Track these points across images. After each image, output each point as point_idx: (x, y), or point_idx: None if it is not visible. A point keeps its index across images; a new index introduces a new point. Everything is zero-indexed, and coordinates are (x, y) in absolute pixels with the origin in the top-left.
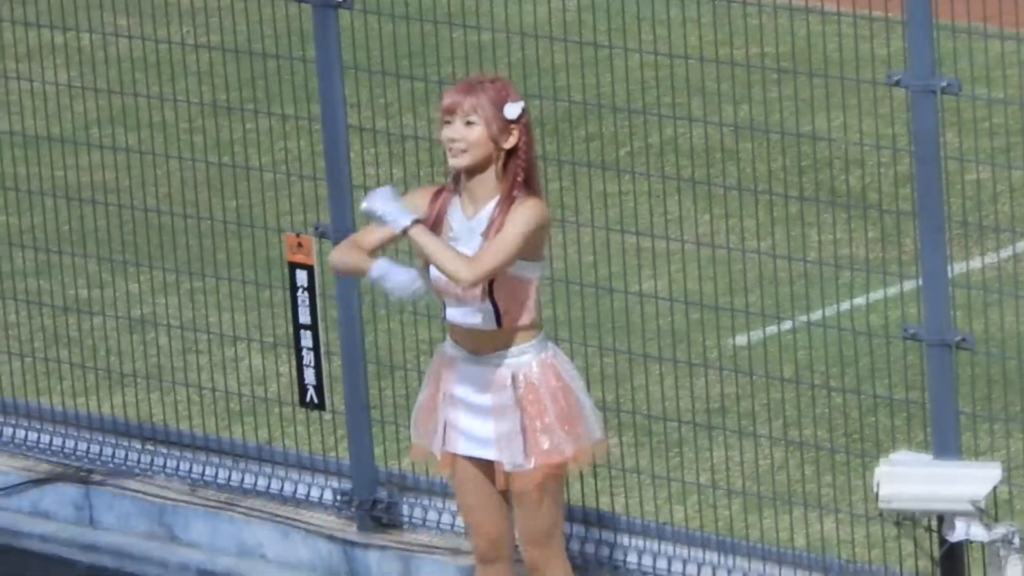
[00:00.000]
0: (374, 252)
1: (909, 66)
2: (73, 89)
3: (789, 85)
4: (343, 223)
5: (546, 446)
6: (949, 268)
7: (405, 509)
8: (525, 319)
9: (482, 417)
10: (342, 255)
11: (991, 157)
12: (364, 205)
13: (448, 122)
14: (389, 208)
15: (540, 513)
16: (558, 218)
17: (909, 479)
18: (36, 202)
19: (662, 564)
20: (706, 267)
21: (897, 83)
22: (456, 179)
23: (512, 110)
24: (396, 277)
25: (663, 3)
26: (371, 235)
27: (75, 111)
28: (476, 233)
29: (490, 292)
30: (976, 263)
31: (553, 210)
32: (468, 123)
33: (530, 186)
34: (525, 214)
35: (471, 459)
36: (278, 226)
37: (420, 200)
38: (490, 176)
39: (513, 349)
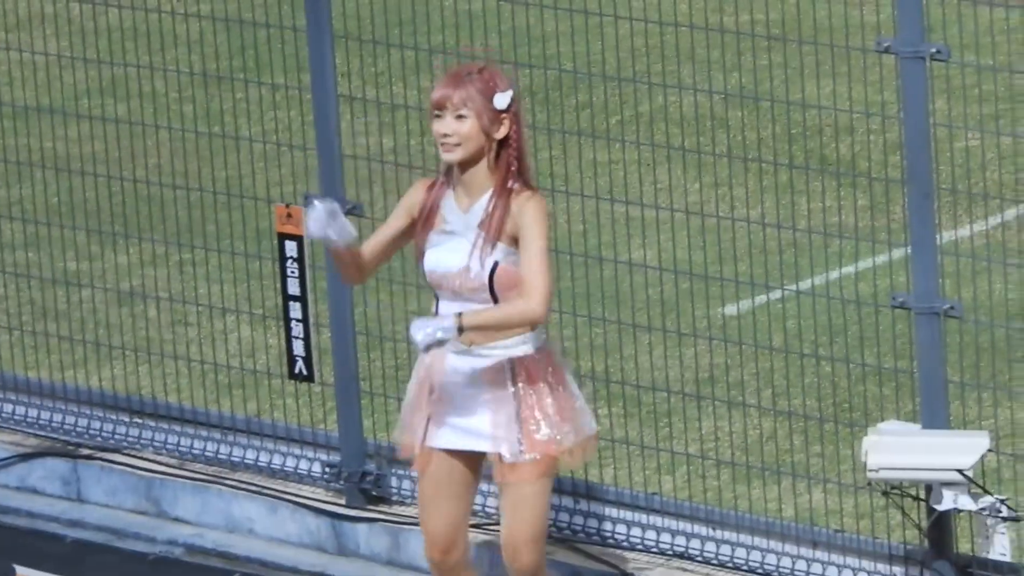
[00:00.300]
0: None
1: (898, 32)
2: (64, 60)
3: (780, 53)
4: (334, 193)
5: (544, 436)
6: (938, 236)
7: (394, 482)
8: None
9: (476, 409)
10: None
11: (980, 124)
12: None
13: (438, 116)
14: (423, 329)
15: (537, 510)
16: (548, 187)
17: (897, 449)
18: (25, 173)
19: (651, 535)
20: (696, 236)
21: (887, 50)
22: (448, 171)
23: (501, 100)
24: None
25: None
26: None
27: (65, 82)
28: (472, 225)
29: (491, 284)
30: (965, 231)
31: (543, 179)
32: (459, 116)
33: (523, 173)
34: (536, 217)
35: (454, 455)
36: (268, 197)
37: (415, 196)
38: (483, 167)
39: (508, 341)
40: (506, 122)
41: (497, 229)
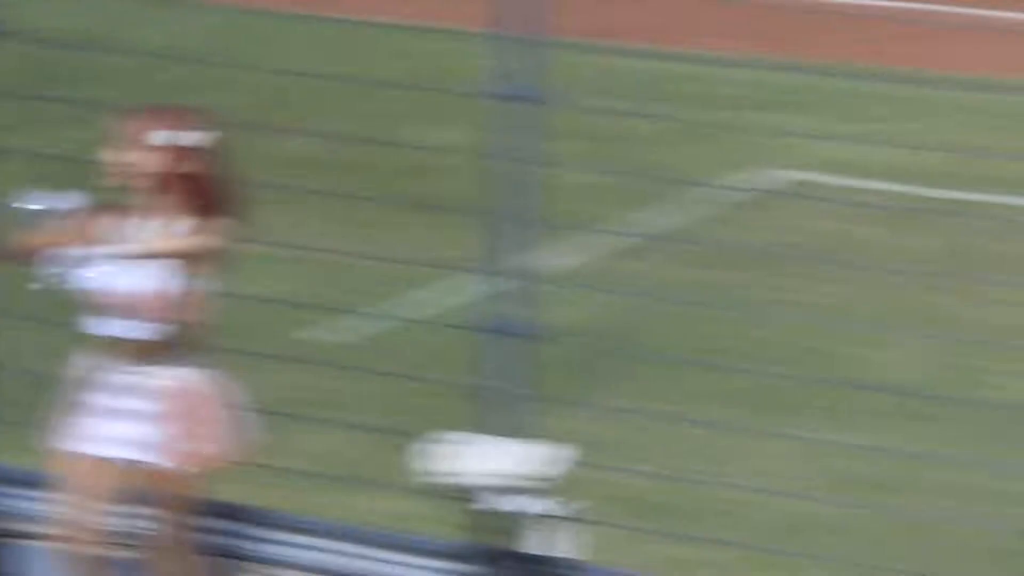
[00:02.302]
0: None
1: (492, 76)
2: None
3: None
4: None
5: None
6: (510, 259)
7: None
8: None
9: None
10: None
11: (571, 159)
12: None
13: None
14: None
15: None
16: None
17: (466, 456)
18: None
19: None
20: (281, 266)
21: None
22: None
23: None
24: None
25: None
26: None
27: None
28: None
29: None
30: (554, 257)
31: None
32: None
33: None
34: None
35: None
36: None
37: None
38: None
39: None
40: None
41: None
